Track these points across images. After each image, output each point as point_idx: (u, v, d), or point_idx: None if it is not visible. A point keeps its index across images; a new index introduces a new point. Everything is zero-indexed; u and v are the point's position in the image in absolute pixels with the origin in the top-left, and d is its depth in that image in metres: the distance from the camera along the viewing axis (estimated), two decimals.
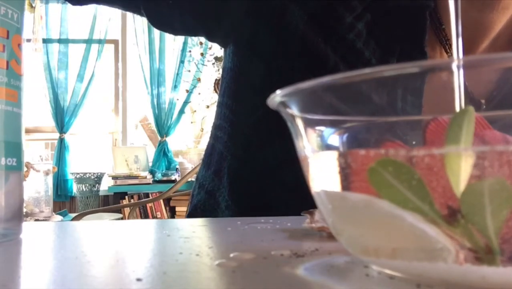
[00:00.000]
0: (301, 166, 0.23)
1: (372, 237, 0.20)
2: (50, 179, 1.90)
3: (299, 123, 0.22)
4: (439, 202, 0.17)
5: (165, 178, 3.45)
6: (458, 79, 0.20)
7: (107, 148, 3.76)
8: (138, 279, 0.20)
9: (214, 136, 0.68)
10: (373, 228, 0.20)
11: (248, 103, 0.62)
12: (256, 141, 0.61)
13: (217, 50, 3.58)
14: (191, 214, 0.69)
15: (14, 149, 0.33)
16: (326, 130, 0.22)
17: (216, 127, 0.68)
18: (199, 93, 3.73)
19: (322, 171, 0.21)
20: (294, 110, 0.22)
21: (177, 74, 3.71)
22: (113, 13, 3.69)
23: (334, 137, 0.22)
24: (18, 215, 0.33)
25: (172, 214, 3.35)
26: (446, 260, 0.17)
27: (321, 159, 0.22)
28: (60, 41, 3.61)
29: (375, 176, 0.18)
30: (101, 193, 3.49)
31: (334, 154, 0.21)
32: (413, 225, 0.18)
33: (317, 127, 0.22)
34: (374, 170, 0.18)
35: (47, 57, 3.56)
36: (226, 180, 0.64)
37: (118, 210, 2.87)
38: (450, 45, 0.58)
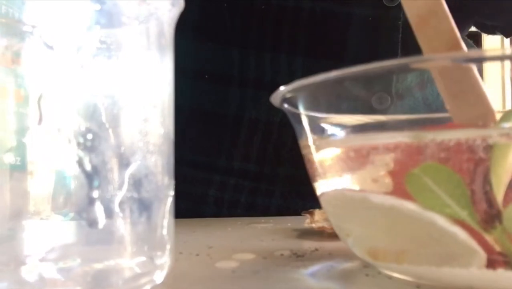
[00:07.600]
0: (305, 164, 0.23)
1: (390, 240, 0.19)
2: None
3: (304, 121, 0.22)
4: (477, 206, 0.17)
5: None
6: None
7: None
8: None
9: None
10: (391, 231, 0.19)
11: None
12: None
13: None
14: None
15: (18, 148, 0.33)
16: (333, 128, 0.22)
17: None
18: None
19: (328, 169, 0.21)
20: (298, 107, 0.21)
21: None
22: None
23: (341, 135, 0.22)
24: (22, 214, 0.33)
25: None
26: (478, 265, 0.17)
27: (327, 157, 0.21)
28: None
29: (413, 180, 0.17)
30: None
31: (341, 152, 0.20)
32: (443, 228, 0.17)
33: (324, 125, 0.22)
34: (414, 174, 0.17)
35: None
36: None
37: None
38: None
